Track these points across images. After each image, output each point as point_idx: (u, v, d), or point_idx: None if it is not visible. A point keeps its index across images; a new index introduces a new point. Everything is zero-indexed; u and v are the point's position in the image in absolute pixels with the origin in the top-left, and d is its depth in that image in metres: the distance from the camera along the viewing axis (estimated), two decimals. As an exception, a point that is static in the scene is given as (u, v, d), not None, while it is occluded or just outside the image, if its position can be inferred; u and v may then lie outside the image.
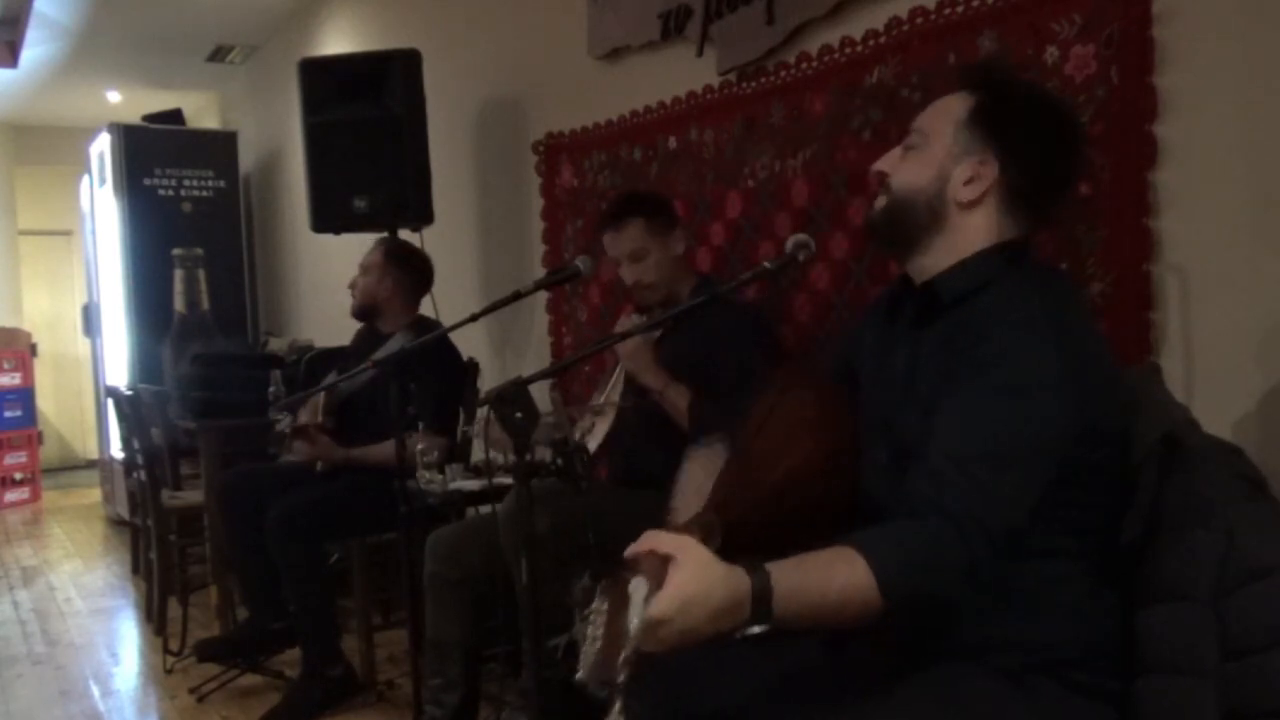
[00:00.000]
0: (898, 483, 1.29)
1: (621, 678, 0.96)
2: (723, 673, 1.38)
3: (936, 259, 1.39)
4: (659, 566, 1.05)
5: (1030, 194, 1.38)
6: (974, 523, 1.15)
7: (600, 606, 1.01)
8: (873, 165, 1.47)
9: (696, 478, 1.53)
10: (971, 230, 1.37)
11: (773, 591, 1.08)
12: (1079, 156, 1.44)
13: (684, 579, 1.04)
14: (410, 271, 3.30)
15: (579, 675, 0.98)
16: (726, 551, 1.22)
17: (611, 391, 2.50)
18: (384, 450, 2.86)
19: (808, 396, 1.49)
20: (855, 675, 1.28)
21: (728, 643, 1.10)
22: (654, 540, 1.09)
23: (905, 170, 1.42)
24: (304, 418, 3.17)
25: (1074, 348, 1.25)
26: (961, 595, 1.19)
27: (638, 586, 1.01)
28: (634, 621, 0.99)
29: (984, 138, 1.37)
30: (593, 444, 2.42)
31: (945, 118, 1.40)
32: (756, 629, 1.09)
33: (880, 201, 1.44)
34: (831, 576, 1.12)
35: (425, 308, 3.45)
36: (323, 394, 3.16)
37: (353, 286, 3.29)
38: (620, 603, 1.00)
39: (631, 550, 1.09)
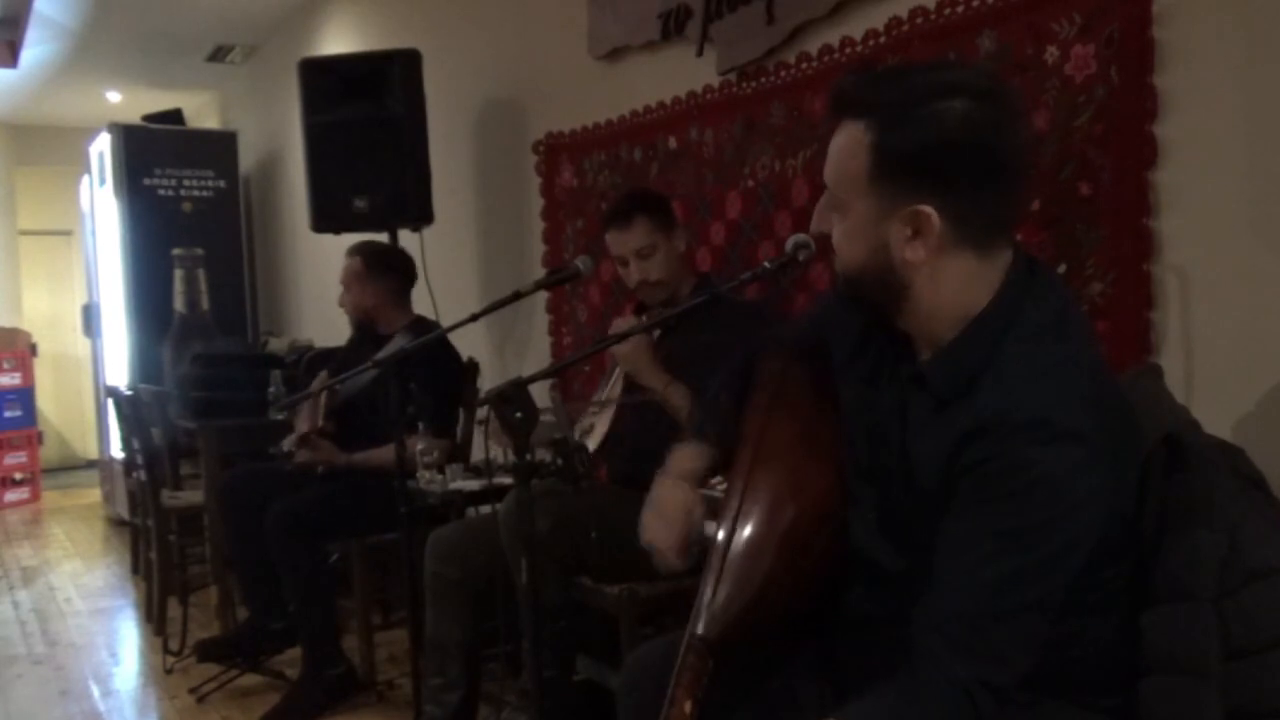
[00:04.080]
0: (888, 543, 1.25)
1: None
2: (719, 681, 1.35)
3: (919, 319, 1.23)
4: None
5: (988, 211, 1.17)
6: (987, 686, 1.09)
7: None
8: (811, 226, 1.30)
9: (669, 503, 1.45)
10: (941, 281, 1.19)
11: None
12: (1018, 132, 1.19)
13: None
14: (392, 273, 3.30)
15: None
16: (722, 663, 1.19)
17: (611, 390, 2.50)
18: (385, 454, 2.86)
19: (787, 433, 1.33)
20: (852, 694, 1.26)
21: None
22: None
23: (842, 244, 1.24)
24: (304, 424, 3.17)
25: (1104, 443, 1.11)
26: None
27: None
28: None
29: (906, 182, 1.15)
30: (592, 442, 2.42)
31: (852, 172, 1.19)
32: None
33: (839, 268, 1.27)
34: None
35: (425, 308, 3.46)
36: (323, 398, 3.16)
37: (343, 304, 3.30)
38: None
39: None
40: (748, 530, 1.26)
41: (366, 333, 3.32)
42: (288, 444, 3.10)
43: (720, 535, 1.28)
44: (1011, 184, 1.19)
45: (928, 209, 1.15)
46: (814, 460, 1.32)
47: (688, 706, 1.15)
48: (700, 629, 1.21)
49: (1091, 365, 1.19)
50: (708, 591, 1.23)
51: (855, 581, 1.32)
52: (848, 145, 1.20)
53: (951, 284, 1.19)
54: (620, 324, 2.45)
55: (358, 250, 3.33)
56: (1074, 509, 1.09)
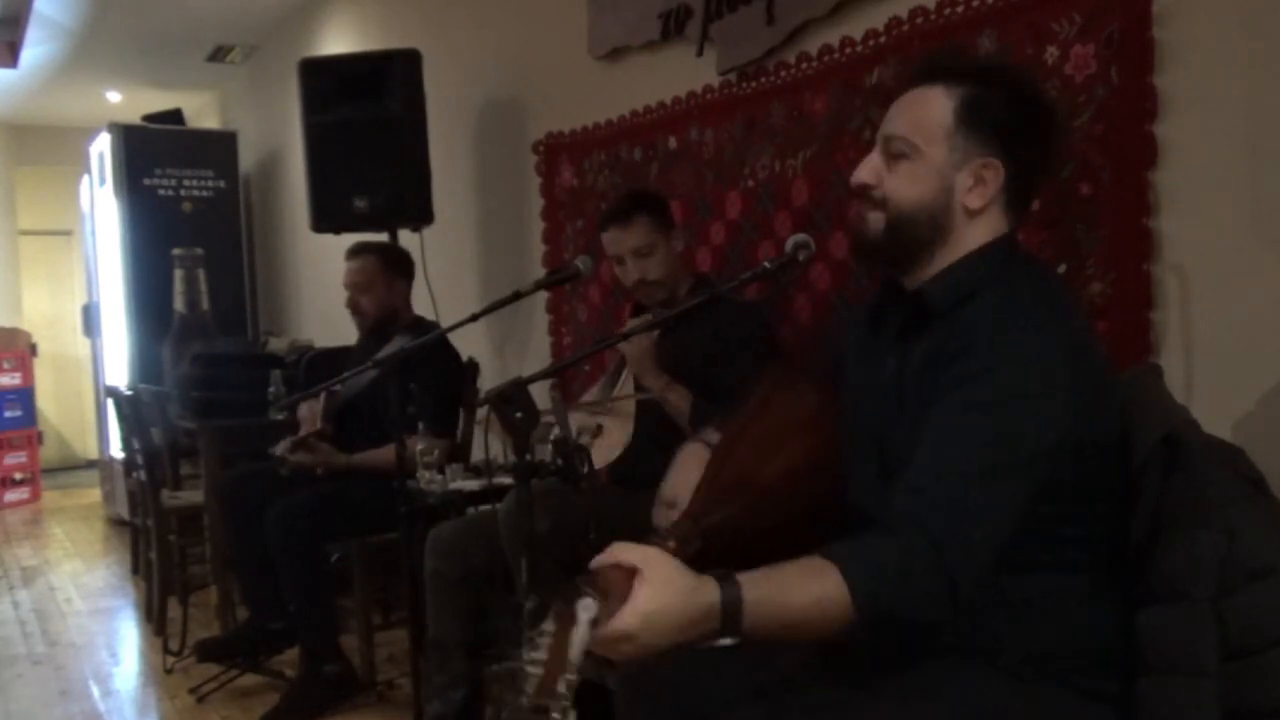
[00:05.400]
0: (888, 492, 1.27)
1: (562, 705, 0.91)
2: (717, 673, 1.37)
3: (937, 269, 1.35)
4: (624, 580, 1.03)
5: (1028, 187, 1.36)
6: (954, 542, 1.12)
7: (549, 628, 0.98)
8: (853, 177, 1.38)
9: (688, 470, 1.50)
10: (973, 236, 1.33)
11: (743, 603, 1.06)
12: (1065, 138, 1.43)
13: (649, 594, 1.02)
14: (405, 271, 3.31)
15: (522, 700, 0.95)
16: (706, 555, 1.20)
17: (621, 390, 2.49)
18: (384, 455, 2.86)
19: (795, 397, 1.46)
20: (851, 674, 1.28)
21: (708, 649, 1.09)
22: (619, 552, 1.06)
23: (902, 184, 1.33)
24: (303, 427, 3.16)
25: (1073, 358, 1.22)
26: (939, 616, 1.15)
27: (585, 607, 0.97)
28: (576, 645, 0.95)
29: (982, 138, 1.31)
30: (609, 446, 2.38)
31: (930, 120, 1.32)
32: (726, 641, 1.07)
33: (876, 219, 1.35)
34: (803, 589, 1.09)
35: (425, 308, 3.46)
36: (321, 401, 3.15)
37: (356, 306, 3.23)
38: (569, 624, 0.96)
39: (597, 561, 1.07)
40: (739, 463, 1.37)
41: (385, 332, 3.24)
42: (281, 448, 3.09)
43: (714, 460, 1.38)
44: (1050, 168, 1.42)
45: (998, 162, 1.31)
46: (812, 427, 1.43)
47: (671, 544, 1.18)
48: (694, 509, 1.30)
49: (1065, 300, 1.34)
50: (699, 495, 1.35)
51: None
52: (933, 99, 1.33)
53: (979, 237, 1.33)
54: (631, 324, 2.45)
55: (370, 249, 3.29)
56: (1042, 391, 1.19)
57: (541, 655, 0.94)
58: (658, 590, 1.03)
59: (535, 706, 0.91)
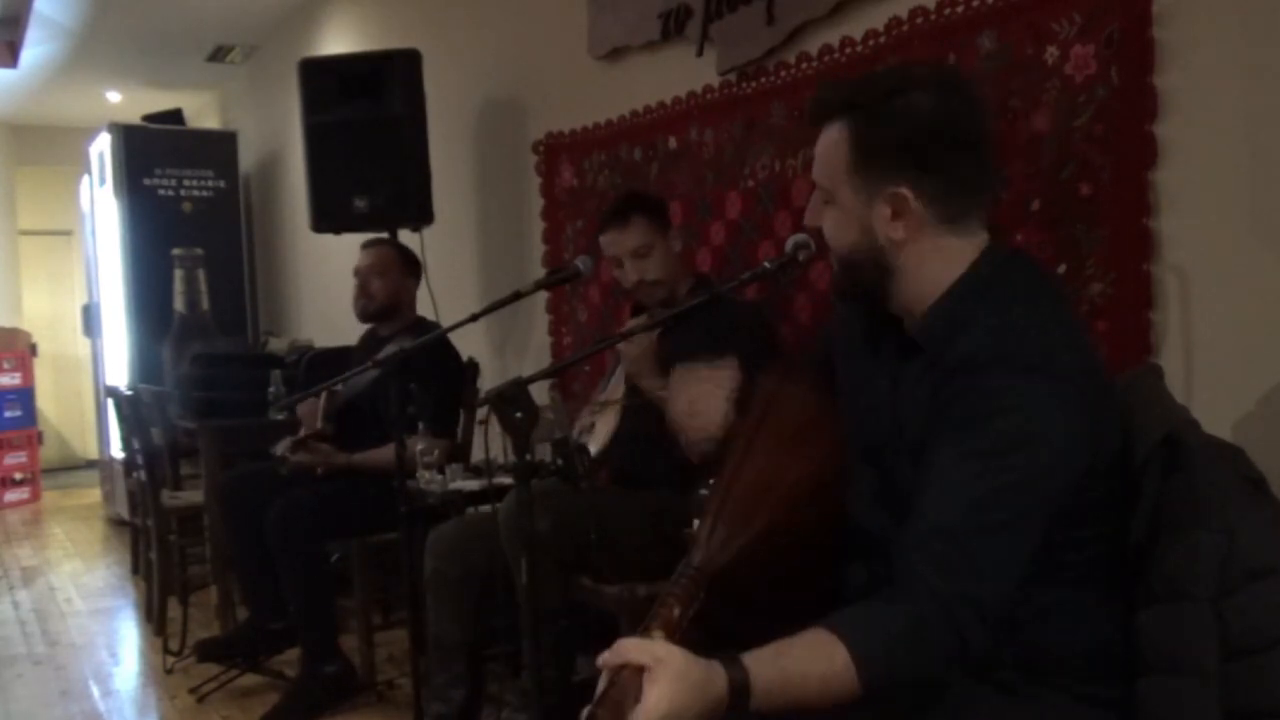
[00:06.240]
0: (886, 514, 1.27)
1: None
2: None
3: (907, 298, 1.31)
4: (637, 681, 1.04)
5: (957, 191, 1.27)
6: (965, 602, 1.11)
7: None
8: (804, 221, 1.38)
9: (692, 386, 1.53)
10: (926, 257, 1.28)
11: (751, 689, 1.07)
12: (977, 115, 1.29)
13: (659, 695, 1.02)
14: (415, 272, 3.36)
15: None
16: (712, 601, 1.22)
17: (612, 391, 2.50)
18: (384, 454, 2.86)
19: (800, 394, 1.45)
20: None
21: None
22: (627, 650, 1.06)
23: (831, 231, 1.33)
24: (304, 427, 3.17)
25: (1071, 385, 1.17)
26: (949, 670, 1.15)
27: None
28: None
29: (880, 169, 1.26)
30: (595, 443, 2.41)
31: (834, 165, 1.30)
32: None
33: (834, 260, 1.36)
34: (811, 667, 1.10)
35: (425, 308, 3.46)
36: (321, 401, 3.15)
37: (366, 289, 3.25)
38: None
39: (603, 659, 1.07)
40: (751, 476, 1.34)
41: (370, 332, 3.29)
42: (281, 448, 3.09)
43: (723, 478, 1.35)
44: (976, 164, 1.29)
45: (904, 191, 1.26)
46: (817, 431, 1.41)
47: (675, 611, 1.18)
48: (696, 560, 1.28)
49: (1063, 321, 1.27)
50: (706, 529, 1.31)
51: (856, 557, 1.36)
52: (830, 142, 1.31)
53: (934, 261, 1.28)
54: (630, 325, 2.45)
55: (389, 243, 3.37)
56: (1047, 434, 1.15)
57: None
58: (667, 689, 1.03)
59: None
